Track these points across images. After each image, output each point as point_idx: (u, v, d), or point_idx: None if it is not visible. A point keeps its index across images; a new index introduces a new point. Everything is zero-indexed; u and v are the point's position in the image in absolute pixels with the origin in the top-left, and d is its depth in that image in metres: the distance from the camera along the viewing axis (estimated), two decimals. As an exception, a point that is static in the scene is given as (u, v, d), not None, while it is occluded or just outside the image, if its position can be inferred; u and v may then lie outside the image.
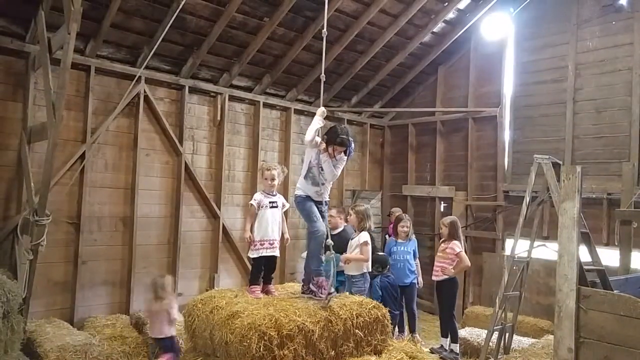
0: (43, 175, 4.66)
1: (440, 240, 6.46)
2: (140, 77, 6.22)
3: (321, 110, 4.20)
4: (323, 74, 4.40)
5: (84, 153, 5.98)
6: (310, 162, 4.17)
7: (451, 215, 7.38)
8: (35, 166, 5.37)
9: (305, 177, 4.19)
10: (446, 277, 5.99)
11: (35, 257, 4.77)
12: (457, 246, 6.02)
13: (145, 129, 6.57)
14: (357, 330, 3.79)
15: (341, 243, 5.38)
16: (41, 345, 4.66)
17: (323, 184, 4.14)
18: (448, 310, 6.05)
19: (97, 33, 5.82)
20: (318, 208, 4.16)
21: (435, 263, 6.21)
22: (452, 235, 6.11)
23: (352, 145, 4.23)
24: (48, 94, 4.64)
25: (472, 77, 8.54)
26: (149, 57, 5.85)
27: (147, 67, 6.23)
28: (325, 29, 4.40)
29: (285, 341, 3.48)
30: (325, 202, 4.24)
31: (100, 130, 6.13)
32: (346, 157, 4.25)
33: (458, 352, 5.91)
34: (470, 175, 8.44)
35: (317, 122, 4.14)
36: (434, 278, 6.17)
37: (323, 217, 4.19)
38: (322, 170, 4.11)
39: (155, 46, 5.60)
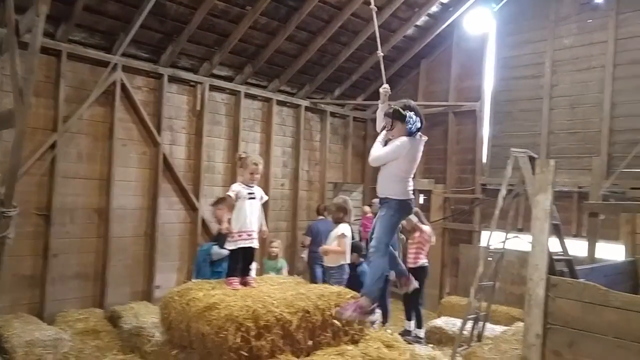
0: (10, 164, 4.50)
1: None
2: (116, 64, 6.07)
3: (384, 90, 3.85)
4: (380, 51, 4.16)
5: (55, 142, 5.82)
6: None
7: (424, 207, 7.57)
8: (1, 155, 5.19)
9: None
10: (418, 264, 6.23)
11: (1, 250, 4.63)
12: (421, 229, 6.36)
13: (121, 118, 6.44)
14: (335, 321, 3.80)
15: (219, 233, 5.20)
16: (9, 340, 4.57)
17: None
18: (416, 297, 6.23)
19: (68, 16, 5.65)
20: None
21: (409, 251, 6.41)
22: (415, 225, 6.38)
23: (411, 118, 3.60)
24: (15, 79, 4.47)
25: (453, 71, 8.61)
26: (125, 44, 5.70)
27: (123, 55, 6.10)
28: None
29: (263, 332, 3.46)
30: (384, 200, 3.74)
31: (73, 119, 5.96)
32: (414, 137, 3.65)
33: (422, 336, 6.10)
34: (450, 169, 8.55)
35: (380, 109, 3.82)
36: (408, 265, 6.33)
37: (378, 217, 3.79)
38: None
39: (132, 32, 5.47)
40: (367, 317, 3.71)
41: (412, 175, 3.74)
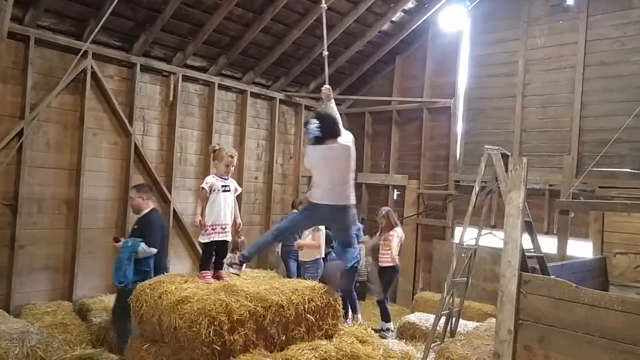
0: (-24, 152, 4.35)
1: (379, 233, 6.71)
2: (86, 51, 5.90)
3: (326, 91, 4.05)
4: (326, 50, 4.26)
5: (22, 130, 5.63)
6: None
7: (398, 202, 7.57)
8: (-33, 143, 5.01)
9: None
10: (389, 264, 6.32)
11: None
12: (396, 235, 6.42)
13: (92, 107, 6.27)
14: (308, 315, 3.80)
15: (143, 227, 4.84)
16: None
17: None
18: (383, 294, 6.39)
19: (37, 1, 5.45)
20: None
21: (381, 250, 6.50)
22: (391, 225, 6.47)
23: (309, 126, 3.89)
24: (-18, 64, 4.31)
25: (428, 67, 8.68)
26: (95, 31, 5.53)
27: (94, 42, 5.92)
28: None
29: (236, 326, 3.44)
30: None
31: (41, 107, 5.77)
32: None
33: (392, 328, 6.24)
34: (423, 165, 8.63)
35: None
36: (380, 264, 6.47)
37: None
38: None
39: (103, 19, 5.29)
40: (232, 267, 3.85)
41: (329, 181, 3.77)
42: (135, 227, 4.91)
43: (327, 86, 4.15)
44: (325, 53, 4.49)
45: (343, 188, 3.77)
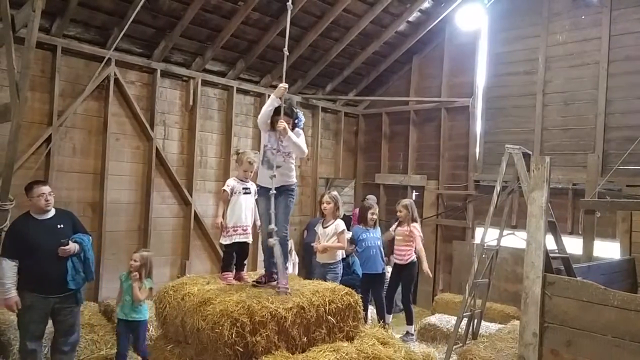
0: (6, 158, 4.48)
1: (396, 225, 6.44)
2: (110, 59, 6.04)
3: (281, 89, 4.01)
4: (286, 49, 4.40)
5: (50, 136, 5.80)
6: (265, 145, 4.13)
7: (417, 203, 7.55)
8: (-2, 149, 5.15)
9: (262, 162, 4.11)
10: (410, 260, 6.18)
11: None
12: (417, 229, 6.22)
13: (115, 112, 6.41)
14: (329, 317, 3.81)
15: (73, 224, 4.41)
16: (4, 333, 4.56)
17: (279, 166, 3.99)
18: (408, 294, 6.28)
19: (63, 11, 5.62)
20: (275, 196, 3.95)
21: (398, 247, 6.31)
22: (412, 219, 6.26)
23: (299, 115, 4.18)
24: (11, 73, 4.44)
25: (445, 67, 8.62)
26: (119, 39, 5.66)
27: (117, 49, 6.06)
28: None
29: (258, 328, 3.47)
30: (286, 187, 4.08)
31: (68, 113, 5.93)
32: (298, 129, 4.14)
33: (413, 332, 6.12)
34: (442, 165, 8.56)
35: (272, 102, 4.04)
36: (397, 262, 6.31)
37: (278, 205, 3.96)
38: (277, 151, 4.01)
39: (126, 27, 5.43)
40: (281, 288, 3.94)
41: None
42: (61, 226, 4.32)
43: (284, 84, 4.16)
44: (286, 53, 4.49)
45: None
